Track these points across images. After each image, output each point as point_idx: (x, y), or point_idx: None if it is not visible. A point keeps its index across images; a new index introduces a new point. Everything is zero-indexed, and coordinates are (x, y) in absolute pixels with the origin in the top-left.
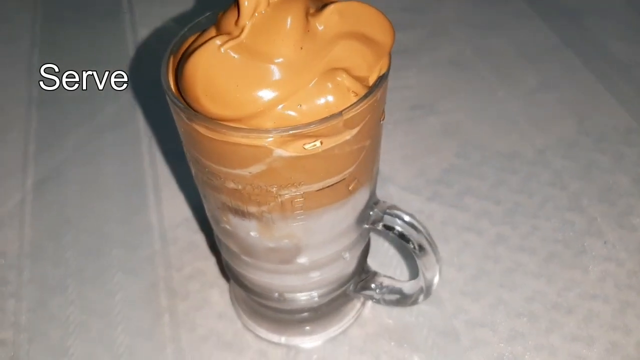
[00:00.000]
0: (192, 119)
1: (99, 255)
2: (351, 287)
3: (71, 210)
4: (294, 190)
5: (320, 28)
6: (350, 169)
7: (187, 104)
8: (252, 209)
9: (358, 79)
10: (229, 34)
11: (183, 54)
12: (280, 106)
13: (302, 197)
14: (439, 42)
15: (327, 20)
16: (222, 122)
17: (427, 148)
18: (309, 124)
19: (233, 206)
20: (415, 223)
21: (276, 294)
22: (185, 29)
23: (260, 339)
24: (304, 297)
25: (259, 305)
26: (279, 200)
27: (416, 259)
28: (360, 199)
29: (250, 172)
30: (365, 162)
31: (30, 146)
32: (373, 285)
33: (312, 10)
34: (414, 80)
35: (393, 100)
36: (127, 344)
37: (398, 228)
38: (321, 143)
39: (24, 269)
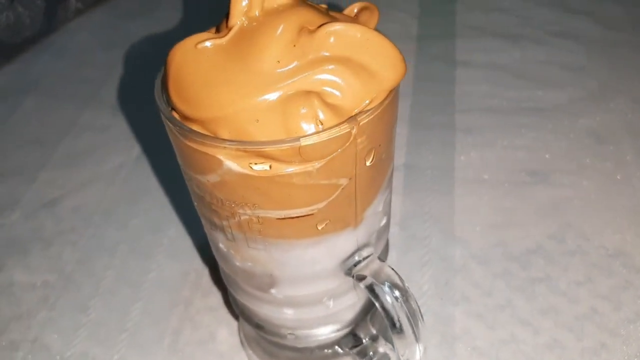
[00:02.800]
0: (160, 111)
1: (157, 231)
2: (342, 342)
3: (156, 184)
4: (249, 211)
5: (310, 46)
6: (318, 206)
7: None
8: (215, 220)
9: (336, 109)
10: (218, 34)
11: None
12: (238, 117)
13: (259, 223)
14: (587, 108)
15: (320, 40)
16: (182, 121)
17: (520, 219)
18: (252, 143)
19: (202, 211)
20: (400, 296)
21: (256, 320)
22: None
23: None
24: (284, 333)
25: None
26: (237, 218)
27: (391, 334)
28: (337, 244)
29: (208, 180)
30: (343, 205)
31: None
32: (366, 347)
33: (312, 26)
34: (539, 143)
35: (505, 159)
36: (136, 321)
37: (381, 295)
38: (270, 167)
39: (92, 224)
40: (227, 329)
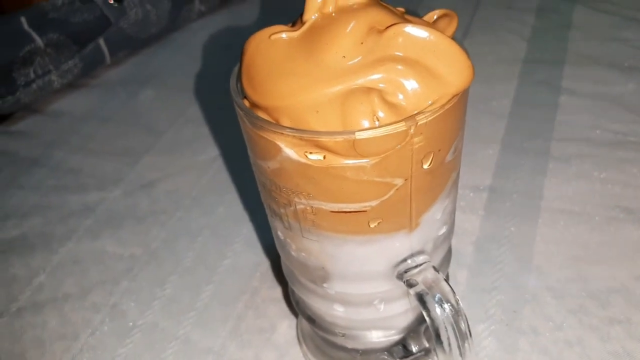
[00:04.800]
0: (231, 95)
1: (238, 222)
2: (392, 350)
3: (244, 178)
4: (304, 200)
5: (378, 45)
6: (370, 203)
7: None
8: (274, 207)
9: (396, 108)
10: (293, 27)
11: None
12: (299, 107)
13: (313, 213)
14: None
15: (388, 40)
16: (251, 108)
17: (605, 256)
18: (309, 132)
19: (264, 198)
20: (449, 310)
21: (308, 313)
22: None
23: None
24: (335, 331)
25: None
26: (293, 207)
27: (435, 346)
28: (389, 246)
29: (269, 167)
30: (397, 206)
31: None
32: (417, 359)
33: (383, 27)
34: None
35: (599, 193)
36: (205, 302)
37: (429, 304)
38: (324, 157)
39: (181, 207)
40: (287, 322)
